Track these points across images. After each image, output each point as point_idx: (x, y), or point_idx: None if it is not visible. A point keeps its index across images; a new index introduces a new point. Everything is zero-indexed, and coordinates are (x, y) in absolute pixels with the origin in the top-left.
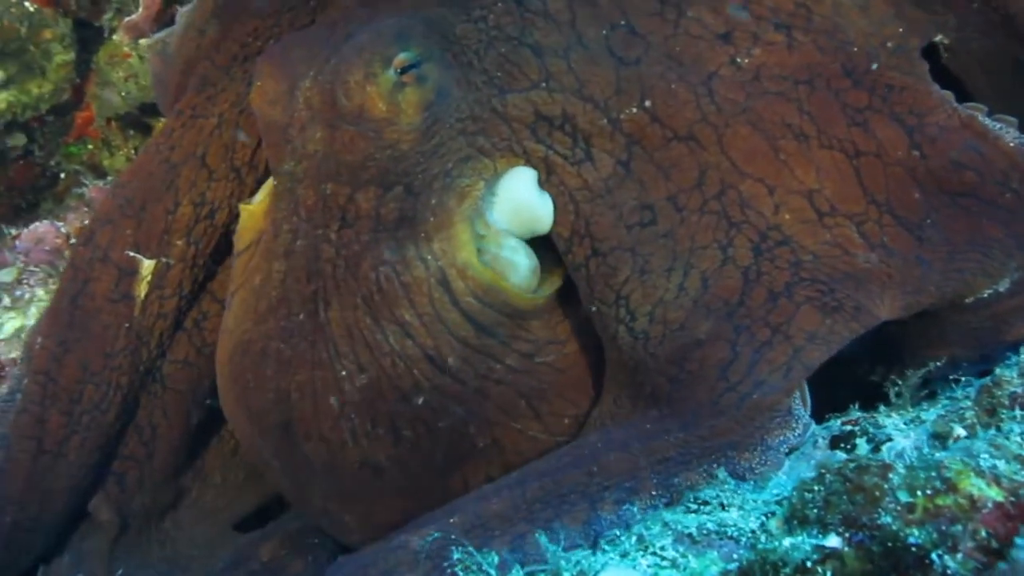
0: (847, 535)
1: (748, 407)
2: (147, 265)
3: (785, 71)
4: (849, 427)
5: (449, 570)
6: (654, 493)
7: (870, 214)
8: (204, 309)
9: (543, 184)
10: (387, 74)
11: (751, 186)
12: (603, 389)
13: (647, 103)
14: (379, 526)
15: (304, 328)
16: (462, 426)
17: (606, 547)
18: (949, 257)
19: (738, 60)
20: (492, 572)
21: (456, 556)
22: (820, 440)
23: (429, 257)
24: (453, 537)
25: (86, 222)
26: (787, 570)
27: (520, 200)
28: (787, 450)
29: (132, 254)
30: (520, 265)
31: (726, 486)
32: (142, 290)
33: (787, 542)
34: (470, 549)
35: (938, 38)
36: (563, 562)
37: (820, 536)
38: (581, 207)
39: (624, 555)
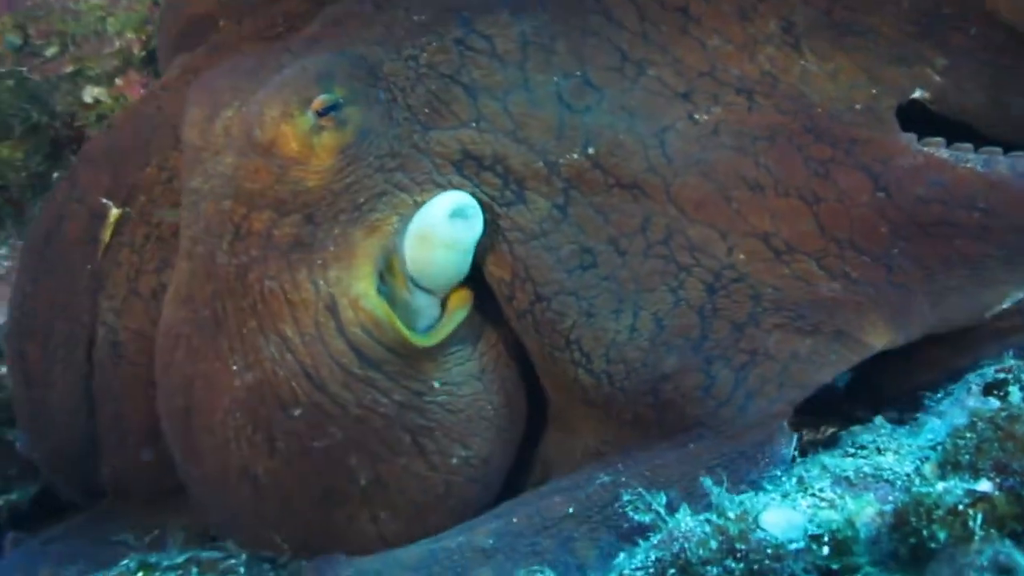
0: (998, 480)
1: (754, 417)
2: (114, 213)
3: (744, 128)
4: (1003, 375)
5: (621, 510)
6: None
7: (830, 250)
8: (164, 281)
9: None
10: (304, 115)
11: (700, 231)
12: (576, 425)
13: (590, 150)
14: (259, 544)
15: (208, 322)
16: (342, 454)
17: (767, 487)
18: (928, 279)
19: (696, 116)
20: (661, 510)
21: (626, 498)
22: (974, 387)
23: (321, 282)
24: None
25: None
26: (940, 512)
27: (426, 222)
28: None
29: (104, 200)
30: (421, 309)
31: (882, 431)
32: (106, 235)
33: (940, 486)
34: (639, 490)
35: (917, 94)
36: (727, 502)
37: (972, 481)
38: (515, 249)
39: (785, 496)
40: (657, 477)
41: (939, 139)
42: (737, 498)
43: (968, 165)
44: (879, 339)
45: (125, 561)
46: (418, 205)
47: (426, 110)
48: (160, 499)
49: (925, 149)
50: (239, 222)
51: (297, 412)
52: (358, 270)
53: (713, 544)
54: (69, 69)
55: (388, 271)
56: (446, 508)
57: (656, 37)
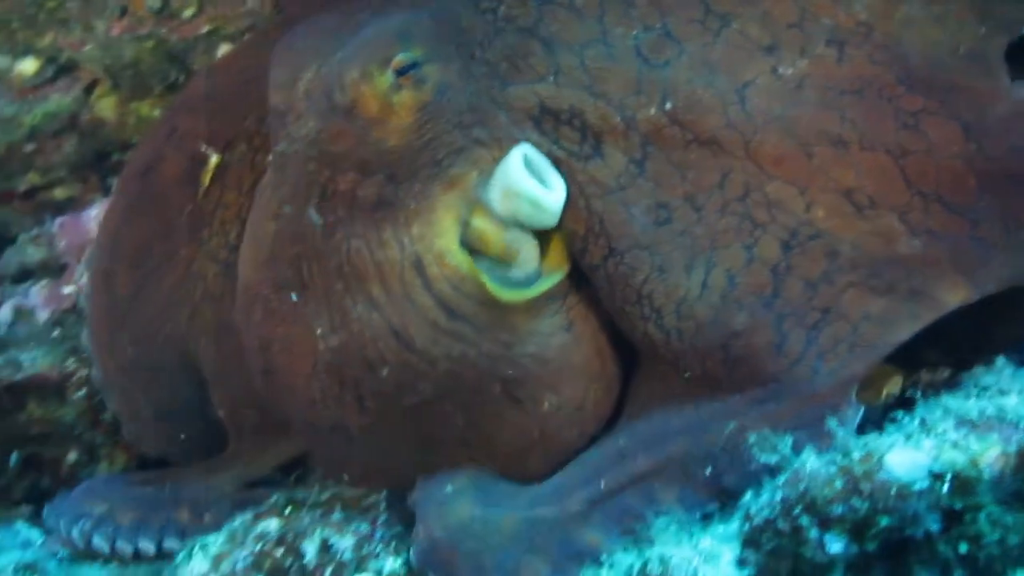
0: None
1: (827, 378)
2: (214, 159)
3: (831, 82)
4: None
5: (747, 452)
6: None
7: (914, 204)
8: None
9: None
10: (384, 75)
11: (779, 187)
12: (642, 372)
13: (667, 106)
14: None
15: (290, 285)
16: (433, 407)
17: (891, 428)
18: (1011, 232)
19: (780, 70)
20: (787, 451)
21: (752, 440)
22: None
23: (406, 240)
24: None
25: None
26: None
27: (510, 179)
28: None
29: (204, 147)
30: (518, 252)
31: (1005, 372)
32: (206, 179)
33: None
34: (765, 432)
35: None
36: (852, 442)
37: None
38: (592, 203)
39: (908, 437)
40: (740, 435)
41: None
42: (862, 439)
43: None
44: (955, 296)
45: (273, 498)
46: (496, 160)
47: (504, 64)
48: (278, 432)
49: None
50: (325, 184)
51: (385, 371)
52: (439, 225)
53: (838, 484)
54: (205, 29)
55: (475, 220)
56: (543, 452)
57: None
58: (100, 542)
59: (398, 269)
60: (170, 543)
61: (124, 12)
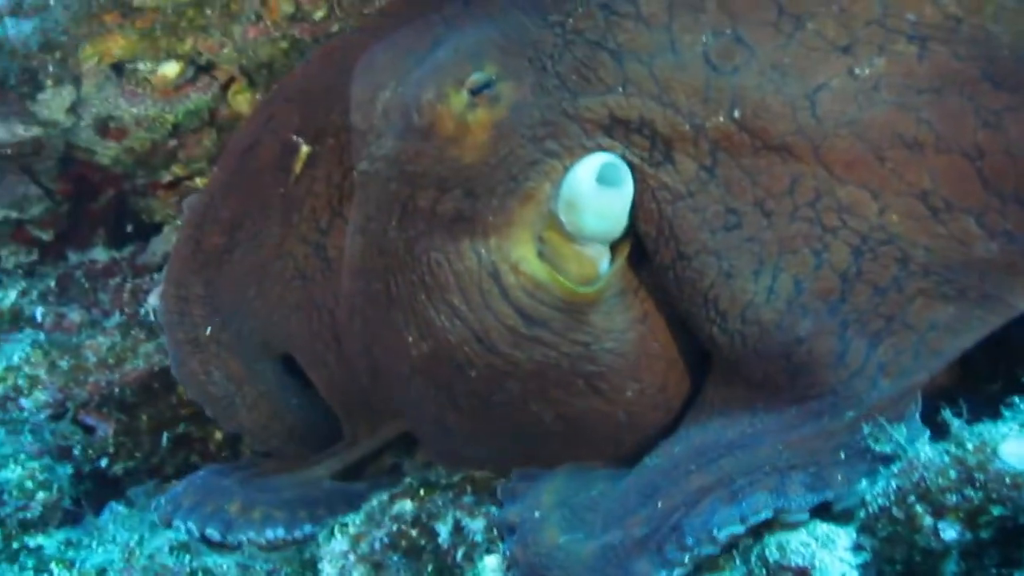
0: None
1: (886, 391)
2: (304, 150)
3: (909, 80)
4: None
5: (862, 443)
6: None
7: (992, 205)
8: None
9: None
10: (459, 95)
11: (851, 192)
12: (710, 371)
13: (736, 113)
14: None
15: (380, 296)
16: (522, 403)
17: (1006, 416)
18: None
19: (856, 71)
20: (902, 440)
21: (866, 431)
22: None
23: (483, 251)
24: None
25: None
26: None
27: (573, 190)
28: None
29: (295, 137)
30: (590, 259)
31: None
32: (297, 168)
33: None
34: (881, 422)
35: None
36: (966, 433)
37: None
38: (663, 208)
39: (1022, 426)
40: (793, 453)
41: None
42: (976, 429)
43: None
44: None
45: (407, 479)
46: (568, 169)
47: (574, 77)
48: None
49: None
50: (405, 201)
51: (473, 373)
52: (516, 237)
53: (952, 474)
54: (335, 28)
55: (548, 232)
56: (631, 433)
57: None
58: (178, 524)
59: (476, 279)
60: (211, 532)
61: (259, 18)
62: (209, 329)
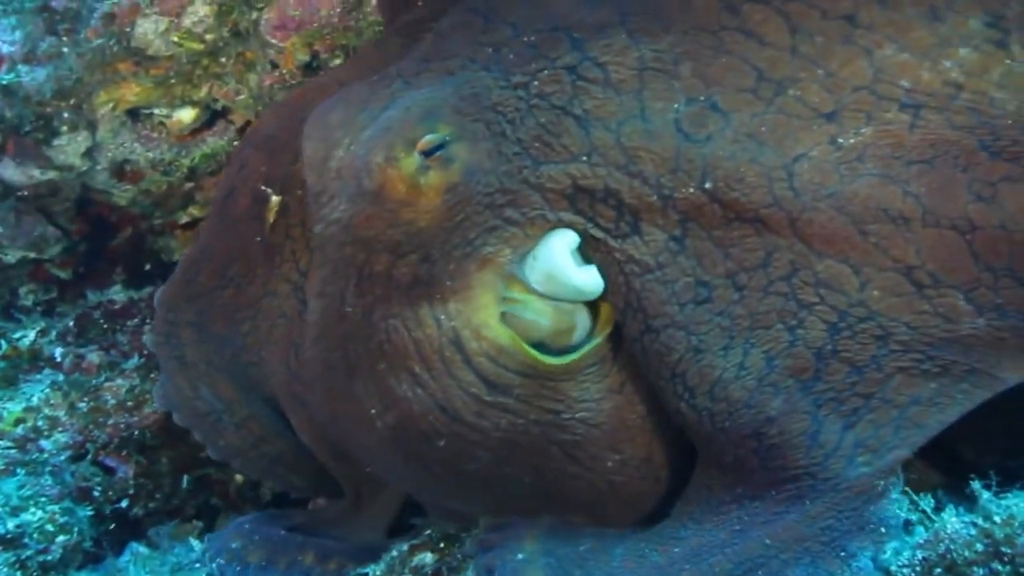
0: None
1: (864, 470)
2: (274, 200)
3: (898, 151)
4: None
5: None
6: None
7: (983, 280)
8: None
9: (590, 253)
10: (410, 158)
11: (830, 267)
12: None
13: (707, 184)
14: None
15: (340, 365)
16: (496, 469)
17: None
18: None
19: (840, 140)
20: (928, 509)
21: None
22: None
23: (443, 317)
24: None
25: None
26: None
27: (554, 266)
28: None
29: (263, 187)
30: (544, 329)
31: None
32: (270, 217)
33: None
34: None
35: None
36: (994, 505)
37: None
38: (631, 280)
39: None
40: (782, 545)
41: None
42: (1004, 501)
43: None
44: (1017, 374)
45: (428, 531)
46: (530, 238)
47: (536, 144)
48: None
49: None
50: (361, 266)
51: (441, 443)
52: (477, 301)
53: (979, 547)
54: None
55: (511, 294)
56: (617, 502)
57: (807, 50)
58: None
59: (437, 346)
60: None
61: (275, 66)
62: (199, 350)
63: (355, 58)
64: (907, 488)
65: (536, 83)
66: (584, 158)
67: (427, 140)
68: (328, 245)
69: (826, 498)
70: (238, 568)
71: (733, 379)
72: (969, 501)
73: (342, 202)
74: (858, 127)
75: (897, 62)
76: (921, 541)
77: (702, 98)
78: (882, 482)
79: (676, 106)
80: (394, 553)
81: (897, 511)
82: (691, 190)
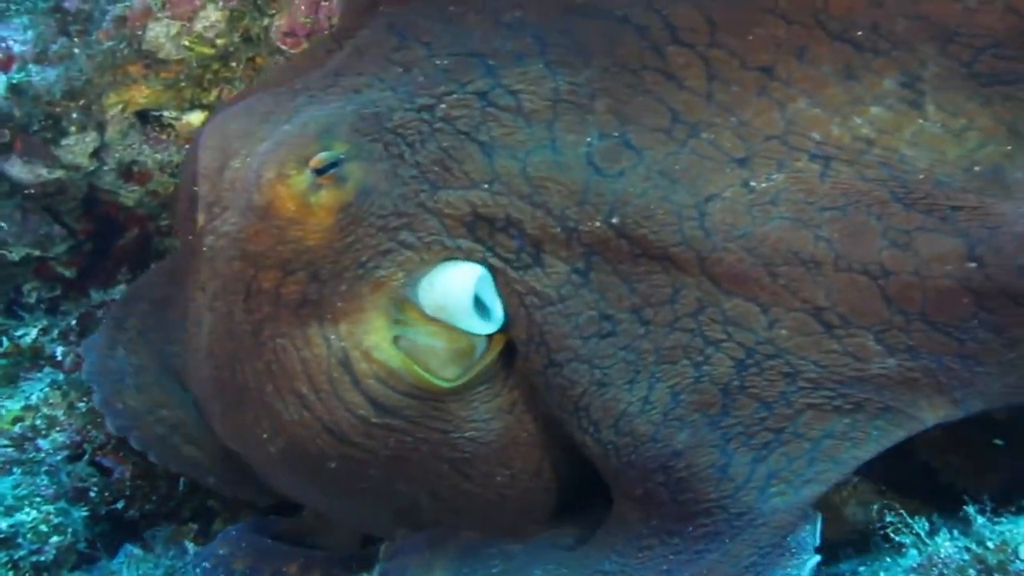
0: None
1: (778, 504)
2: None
3: (810, 198)
4: None
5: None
6: None
7: (894, 323)
8: None
9: (497, 285)
10: (301, 175)
11: (738, 305)
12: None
13: (614, 219)
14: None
15: (229, 386)
16: (390, 485)
17: None
18: (1008, 349)
19: (752, 184)
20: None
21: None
22: None
23: (333, 337)
24: None
25: None
26: None
27: (450, 301)
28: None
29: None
30: (439, 352)
31: None
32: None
33: None
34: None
35: None
36: (987, 532)
37: None
38: (532, 314)
39: None
40: None
41: None
42: (998, 527)
43: None
44: (933, 414)
45: None
46: (426, 262)
47: (436, 168)
48: None
49: None
50: (249, 281)
51: (332, 465)
52: (369, 323)
53: (972, 572)
54: None
55: (404, 317)
56: (508, 513)
57: (723, 98)
58: None
59: (325, 366)
60: None
61: None
62: (140, 322)
63: (286, 63)
64: (902, 511)
65: (443, 106)
66: (485, 186)
67: (320, 158)
68: (218, 258)
69: (746, 535)
70: (223, 574)
71: (638, 413)
72: (963, 524)
73: (233, 215)
74: (769, 173)
75: (809, 116)
76: (914, 565)
77: (616, 134)
78: (799, 519)
79: (589, 140)
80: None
81: (812, 539)
82: (597, 224)
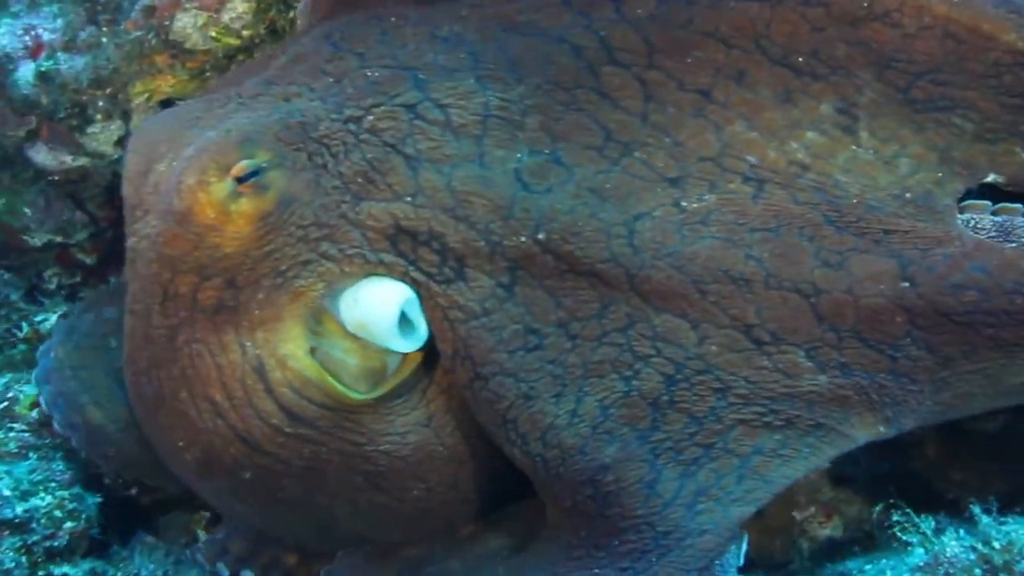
0: None
1: (706, 521)
2: None
3: (742, 219)
4: None
5: None
6: None
7: (826, 340)
8: None
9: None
10: (222, 183)
11: (667, 321)
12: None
13: (540, 235)
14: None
15: (147, 392)
16: (307, 497)
17: None
18: (941, 367)
19: (683, 204)
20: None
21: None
22: None
23: (249, 344)
24: None
25: None
26: None
27: (373, 320)
28: None
29: None
30: (351, 369)
31: None
32: None
33: None
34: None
35: (990, 178)
36: (993, 531)
37: None
38: (456, 328)
39: None
40: None
41: (984, 202)
42: (1004, 528)
43: (1015, 246)
44: (865, 432)
45: None
46: (348, 275)
47: (359, 180)
48: None
49: (975, 235)
50: (166, 285)
51: (247, 475)
52: (286, 332)
53: (978, 572)
54: None
55: (321, 328)
56: (427, 526)
57: (658, 119)
58: (221, 568)
59: (239, 373)
60: None
61: None
62: (111, 308)
63: (240, 67)
64: (908, 509)
65: (370, 118)
66: (408, 198)
67: (242, 166)
68: (139, 261)
69: (673, 556)
70: (220, 556)
71: (566, 426)
72: (969, 524)
73: (154, 218)
74: (701, 193)
75: (745, 139)
76: (920, 564)
77: (547, 151)
78: (726, 540)
79: (519, 156)
80: None
81: (736, 560)
82: (522, 239)
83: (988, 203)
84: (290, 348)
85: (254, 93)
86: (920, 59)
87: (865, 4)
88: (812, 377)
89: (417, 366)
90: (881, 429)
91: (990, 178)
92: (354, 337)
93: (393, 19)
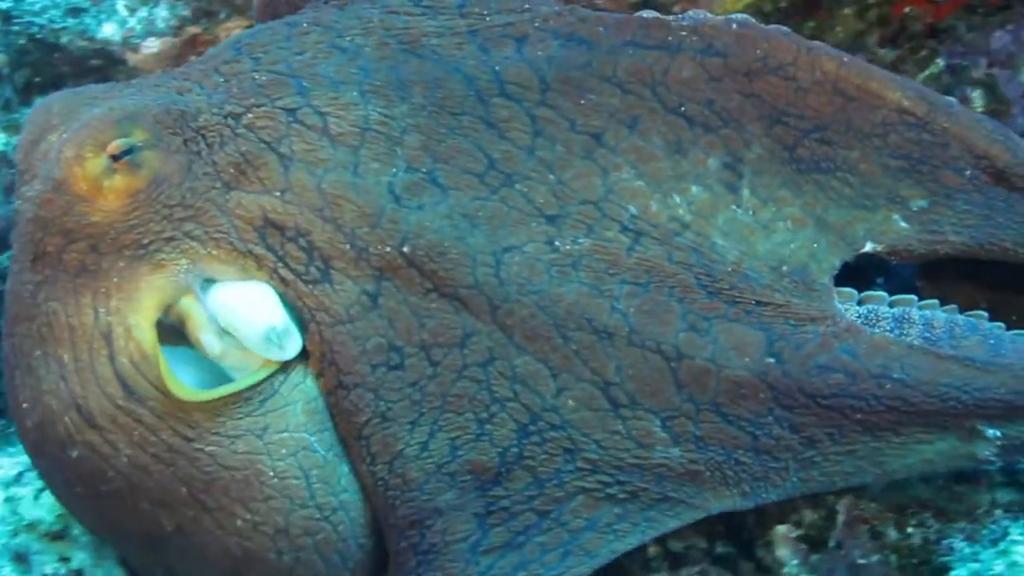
0: None
1: None
2: None
3: (613, 268)
4: None
5: None
6: None
7: (683, 410)
8: None
9: (289, 299)
10: (98, 159)
11: (528, 363)
12: None
13: (405, 248)
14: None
15: (8, 346)
16: (132, 500)
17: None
18: (806, 447)
19: (557, 243)
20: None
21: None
22: None
23: (103, 310)
24: None
25: None
26: None
27: (246, 329)
28: None
29: None
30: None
31: None
32: None
33: None
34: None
35: (868, 248)
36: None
37: None
38: (323, 331)
39: None
40: None
41: (849, 290)
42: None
43: (881, 332)
44: (720, 503)
45: None
46: (213, 257)
47: (231, 170)
48: None
49: (851, 319)
50: (37, 243)
51: (75, 454)
52: (139, 303)
53: None
54: None
55: (184, 307)
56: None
57: (546, 155)
58: None
59: (89, 336)
60: None
61: None
62: None
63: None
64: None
65: (250, 115)
66: (277, 193)
67: (117, 144)
68: (20, 221)
69: None
70: None
71: (414, 457)
72: None
73: (38, 183)
74: (577, 236)
75: (630, 187)
76: None
77: (424, 170)
78: None
79: (394, 170)
80: None
81: None
82: (388, 249)
83: (854, 291)
84: (138, 319)
85: (152, 84)
86: (810, 115)
87: (761, 55)
88: (664, 449)
89: (260, 379)
90: (738, 502)
91: (868, 247)
92: (220, 332)
93: (304, 24)
